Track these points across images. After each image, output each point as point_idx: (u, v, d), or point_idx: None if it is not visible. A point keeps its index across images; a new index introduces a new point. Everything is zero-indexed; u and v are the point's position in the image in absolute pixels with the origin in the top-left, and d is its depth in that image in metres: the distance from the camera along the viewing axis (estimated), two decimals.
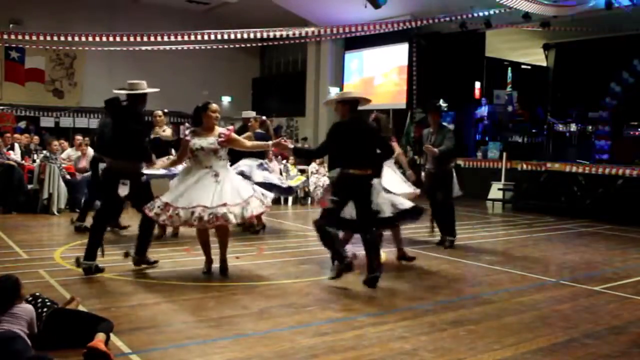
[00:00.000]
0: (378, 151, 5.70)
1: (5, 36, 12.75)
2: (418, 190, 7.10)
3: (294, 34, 13.93)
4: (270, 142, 6.02)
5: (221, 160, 5.54)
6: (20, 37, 12.46)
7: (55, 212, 9.84)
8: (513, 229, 9.90)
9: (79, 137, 11.26)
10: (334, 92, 17.28)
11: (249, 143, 6.07)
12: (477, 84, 16.99)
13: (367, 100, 5.82)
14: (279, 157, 10.01)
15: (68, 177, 10.25)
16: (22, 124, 16.56)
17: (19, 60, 17.37)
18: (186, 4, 18.92)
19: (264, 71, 22.79)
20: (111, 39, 12.51)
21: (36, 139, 12.79)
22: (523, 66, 18.82)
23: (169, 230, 7.61)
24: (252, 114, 9.03)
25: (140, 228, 5.86)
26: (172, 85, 15.75)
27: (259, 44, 17.09)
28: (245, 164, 7.99)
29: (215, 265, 5.75)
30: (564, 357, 3.81)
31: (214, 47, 15.31)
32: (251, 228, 8.24)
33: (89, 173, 10.49)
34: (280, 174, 9.04)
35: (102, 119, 10.42)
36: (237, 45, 15.90)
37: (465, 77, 16.37)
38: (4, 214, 9.65)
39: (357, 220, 5.53)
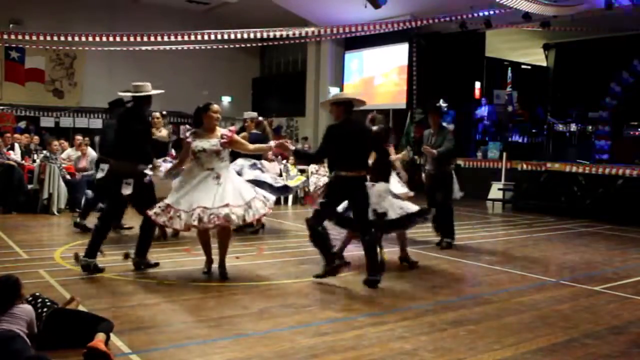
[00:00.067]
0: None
1: (5, 36, 12.76)
2: (411, 193, 7.12)
3: (294, 34, 13.95)
4: (272, 144, 5.96)
5: (223, 161, 5.50)
6: (20, 37, 12.47)
7: (55, 212, 9.84)
8: (513, 229, 9.90)
9: (79, 137, 11.27)
10: (334, 92, 17.27)
11: (251, 146, 5.99)
12: (477, 84, 17.00)
13: (362, 102, 5.82)
14: (279, 157, 10.00)
15: (68, 177, 10.25)
16: (22, 124, 16.57)
17: (19, 60, 17.37)
18: (186, 4, 18.92)
19: (264, 71, 22.79)
20: (111, 39, 12.52)
21: (36, 139, 12.78)
22: (523, 66, 18.83)
23: (170, 230, 7.60)
24: (254, 114, 9.02)
25: (141, 230, 5.85)
26: (172, 85, 15.66)
27: (259, 44, 17.10)
28: (237, 164, 7.98)
29: (215, 265, 5.75)
30: (564, 357, 3.82)
31: (214, 47, 15.32)
32: (248, 228, 8.21)
33: (91, 172, 10.52)
34: (280, 174, 9.03)
35: (107, 120, 10.43)
36: (237, 45, 15.90)
37: (465, 77, 16.38)
38: (4, 214, 9.65)
39: (355, 222, 5.55)
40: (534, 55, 18.53)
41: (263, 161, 8.53)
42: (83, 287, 5.15)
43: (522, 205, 12.63)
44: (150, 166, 5.81)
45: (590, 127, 14.57)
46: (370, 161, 5.91)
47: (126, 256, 5.90)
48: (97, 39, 12.65)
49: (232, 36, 12.87)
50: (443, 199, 7.54)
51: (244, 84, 21.89)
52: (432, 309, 4.80)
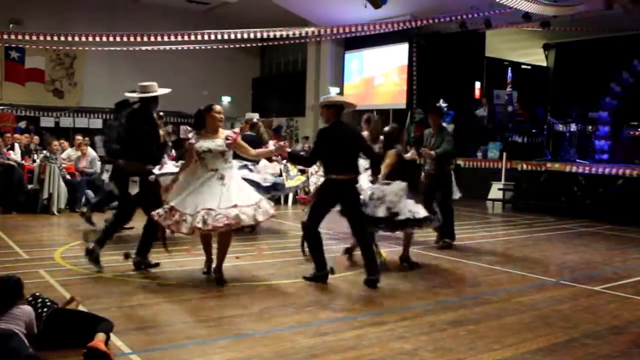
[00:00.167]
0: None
1: (5, 36, 12.75)
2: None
3: (294, 34, 13.94)
4: (272, 149, 5.93)
5: (227, 162, 5.45)
6: (20, 37, 12.46)
7: (55, 212, 9.83)
8: (513, 229, 9.90)
9: (79, 137, 11.27)
10: (334, 92, 17.25)
11: (253, 151, 5.87)
12: (477, 84, 16.99)
13: (352, 105, 5.86)
14: (279, 157, 9.99)
15: (68, 177, 10.25)
16: (22, 124, 16.56)
17: (19, 60, 17.36)
18: (186, 4, 18.91)
19: (264, 71, 22.79)
20: (111, 39, 12.51)
21: (36, 139, 12.77)
22: (523, 66, 18.81)
23: (168, 232, 7.58)
24: (255, 115, 9.00)
25: (145, 230, 5.84)
26: (172, 85, 15.42)
27: (259, 44, 17.09)
28: None
29: (214, 265, 5.74)
30: (564, 357, 3.82)
31: (214, 47, 15.30)
32: (247, 227, 8.19)
33: (91, 170, 10.54)
34: (280, 174, 9.03)
35: (109, 121, 10.42)
36: (237, 45, 15.89)
37: (465, 77, 16.37)
38: (4, 214, 9.65)
39: (350, 225, 5.59)
40: (534, 55, 18.52)
41: (264, 161, 8.53)
42: (83, 287, 5.15)
43: (522, 205, 12.63)
44: (159, 166, 5.83)
45: (590, 127, 14.56)
46: (387, 161, 5.98)
47: (126, 256, 5.90)
48: (97, 39, 12.64)
49: (232, 36, 12.86)
50: (443, 199, 7.54)
51: (244, 84, 21.88)
52: (432, 309, 4.80)
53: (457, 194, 7.79)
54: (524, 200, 12.74)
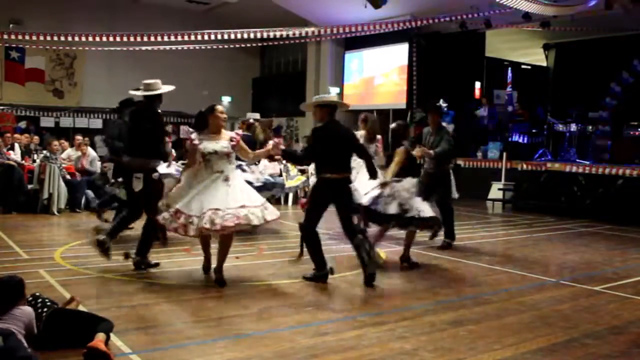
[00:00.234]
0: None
1: (5, 36, 12.74)
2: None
3: (294, 34, 13.93)
4: (268, 148, 5.88)
5: (232, 163, 5.42)
6: (20, 37, 12.45)
7: (55, 212, 9.83)
8: (513, 229, 9.90)
9: (79, 137, 11.28)
10: (334, 92, 17.26)
11: (251, 154, 5.85)
12: (477, 84, 16.97)
13: (345, 105, 5.94)
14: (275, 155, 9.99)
15: (68, 177, 10.25)
16: (22, 124, 16.56)
17: (19, 60, 17.35)
18: (186, 4, 18.91)
19: (264, 71, 22.78)
20: (111, 39, 12.50)
21: (36, 139, 12.79)
22: (523, 66, 18.80)
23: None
24: (256, 115, 8.99)
25: (144, 230, 5.84)
26: (172, 85, 15.71)
27: (259, 44, 17.08)
28: None
29: (214, 265, 5.73)
30: (564, 357, 3.82)
31: (214, 47, 15.30)
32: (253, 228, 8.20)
33: (92, 169, 10.53)
34: (280, 174, 9.04)
35: (113, 120, 10.42)
36: (237, 45, 15.88)
37: (465, 77, 16.35)
38: (4, 214, 9.65)
39: (342, 224, 5.60)
40: (534, 55, 18.51)
41: (264, 161, 8.53)
42: (83, 287, 5.15)
43: (522, 205, 12.62)
44: (166, 163, 5.83)
45: (590, 127, 14.56)
46: (397, 158, 6.00)
47: (126, 256, 5.90)
48: (97, 39, 12.63)
49: (232, 36, 12.85)
50: (442, 198, 7.54)
51: (244, 84, 21.87)
52: (432, 309, 4.80)
53: (455, 194, 7.79)
54: (524, 200, 12.74)
